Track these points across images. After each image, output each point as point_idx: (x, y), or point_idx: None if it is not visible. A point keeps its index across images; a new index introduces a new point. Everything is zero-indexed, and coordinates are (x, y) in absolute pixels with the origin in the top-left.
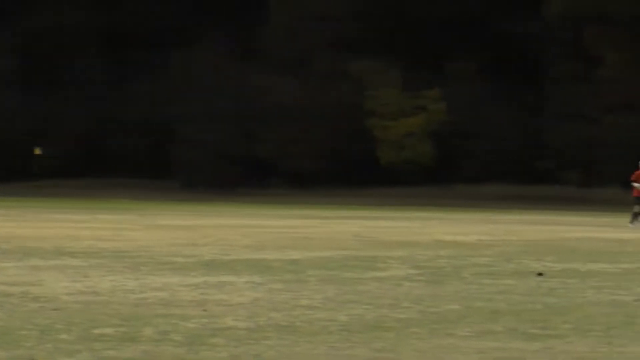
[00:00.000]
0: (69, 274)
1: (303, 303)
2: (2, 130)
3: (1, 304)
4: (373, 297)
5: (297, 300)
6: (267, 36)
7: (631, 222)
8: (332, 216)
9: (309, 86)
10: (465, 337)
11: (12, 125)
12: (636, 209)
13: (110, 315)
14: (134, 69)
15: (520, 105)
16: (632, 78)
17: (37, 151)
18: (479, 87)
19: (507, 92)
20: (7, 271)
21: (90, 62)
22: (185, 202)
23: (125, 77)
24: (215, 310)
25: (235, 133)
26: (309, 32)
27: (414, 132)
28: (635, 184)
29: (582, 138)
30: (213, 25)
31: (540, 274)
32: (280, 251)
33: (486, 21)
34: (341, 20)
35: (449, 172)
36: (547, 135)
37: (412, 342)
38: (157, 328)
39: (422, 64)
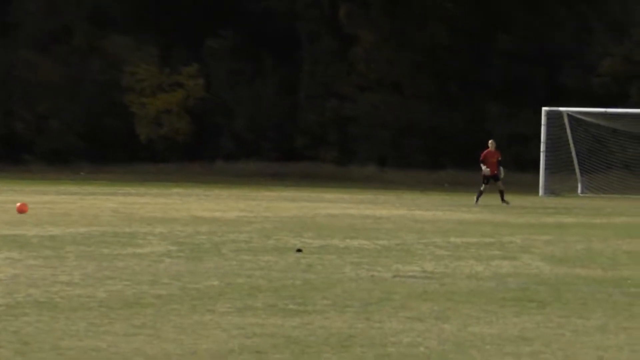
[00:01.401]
0: None
1: (62, 279)
2: None
3: None
4: (132, 273)
5: (56, 276)
6: (22, 11)
7: (476, 201)
8: (91, 192)
9: (65, 62)
10: (225, 313)
11: None
12: (483, 187)
13: None
14: None
15: (277, 83)
16: (386, 57)
17: None
18: (236, 63)
19: (264, 69)
20: None
21: None
22: None
23: None
24: None
25: None
26: (66, 7)
27: (171, 108)
28: (483, 167)
29: (337, 116)
30: None
31: (299, 250)
32: (39, 227)
33: None
34: None
35: (208, 148)
36: (303, 113)
37: (172, 318)
38: None
39: (180, 40)
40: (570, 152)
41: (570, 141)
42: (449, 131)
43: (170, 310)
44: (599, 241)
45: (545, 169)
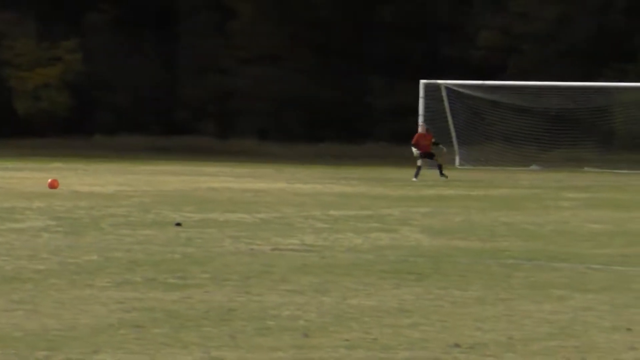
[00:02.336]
0: None
1: None
2: None
3: None
4: (11, 248)
5: None
6: None
7: (415, 176)
8: None
9: None
10: (105, 287)
11: None
12: (419, 162)
13: None
14: None
15: (157, 56)
16: (265, 30)
17: None
18: (115, 37)
19: (143, 42)
20: None
21: None
22: None
23: None
24: None
25: None
26: None
27: (50, 83)
28: (414, 150)
29: (217, 89)
30: None
31: (178, 224)
32: None
33: None
34: None
35: (87, 122)
36: (182, 87)
37: (51, 293)
38: None
39: (60, 14)
40: (448, 125)
41: (448, 113)
42: (329, 104)
43: (49, 285)
44: (477, 213)
45: None
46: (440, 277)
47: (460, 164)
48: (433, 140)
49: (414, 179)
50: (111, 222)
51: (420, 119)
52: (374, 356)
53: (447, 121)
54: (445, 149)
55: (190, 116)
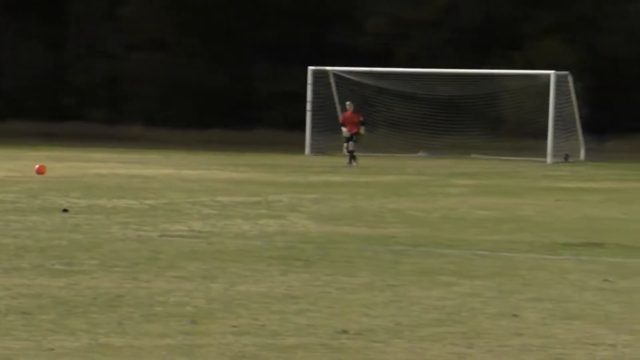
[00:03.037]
0: None
1: None
2: None
3: None
4: None
5: None
6: None
7: (350, 163)
8: None
9: None
10: None
11: None
12: (351, 146)
13: None
14: None
15: (44, 41)
16: (154, 16)
17: None
18: (3, 21)
19: (31, 27)
20: None
21: None
22: None
23: None
24: None
25: None
26: None
27: None
28: (344, 129)
29: (105, 75)
30: None
31: (65, 210)
32: None
33: None
34: None
35: None
36: (70, 72)
37: None
38: None
39: None
40: (336, 111)
41: (336, 100)
42: (217, 90)
43: None
44: (365, 199)
45: (312, 128)
46: (328, 264)
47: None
48: (361, 119)
49: (353, 164)
50: None
51: (308, 106)
52: (262, 342)
53: (335, 108)
54: (363, 131)
55: (78, 101)
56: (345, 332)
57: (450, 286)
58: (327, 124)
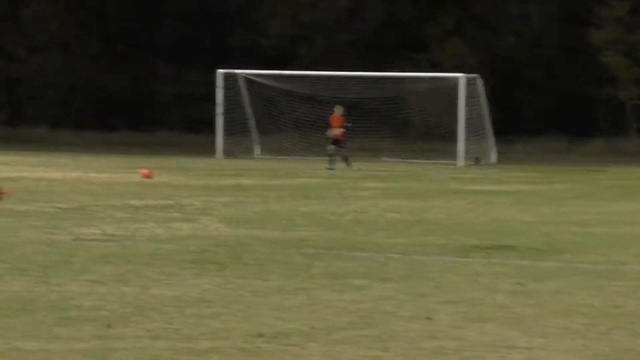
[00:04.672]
0: None
1: None
2: None
3: None
4: None
5: None
6: None
7: (348, 165)
8: None
9: None
10: None
11: None
12: (343, 152)
13: None
14: None
15: None
16: (55, 17)
17: None
18: None
19: None
20: None
21: None
22: None
23: None
24: None
25: None
26: None
27: None
28: (336, 131)
29: (7, 77)
30: None
31: None
32: None
33: None
34: None
35: None
36: None
37: None
38: None
39: None
40: (246, 114)
41: (246, 103)
42: (118, 92)
43: None
44: (276, 202)
45: (223, 131)
46: (241, 267)
47: (259, 154)
48: (348, 124)
49: (349, 169)
50: None
51: (219, 109)
52: (176, 346)
53: (243, 111)
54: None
55: None
56: (260, 335)
57: (363, 289)
58: (236, 127)
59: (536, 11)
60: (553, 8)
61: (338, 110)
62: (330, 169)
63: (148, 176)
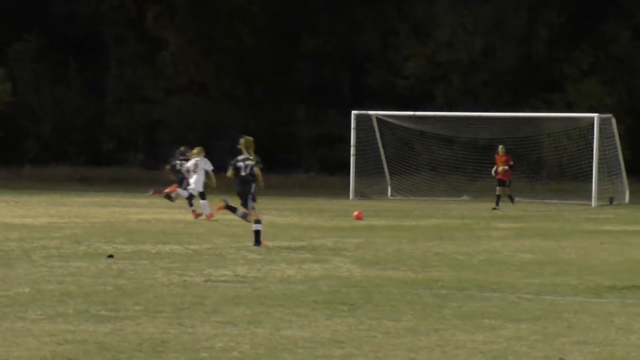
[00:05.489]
0: None
1: None
2: None
3: None
4: None
5: None
6: None
7: (513, 203)
8: None
9: None
10: (37, 320)
11: None
12: (507, 191)
13: None
14: None
15: (83, 86)
16: (193, 59)
17: None
18: (43, 66)
19: (70, 72)
20: None
21: None
22: None
23: None
24: None
25: None
26: None
27: None
28: (493, 171)
29: (145, 120)
30: None
31: (110, 256)
32: None
33: (49, 0)
34: None
35: (16, 153)
36: (110, 117)
37: None
38: None
39: None
40: (379, 155)
41: (380, 144)
42: (257, 134)
43: None
44: (408, 243)
45: (355, 172)
46: (373, 308)
47: (392, 195)
48: (511, 163)
49: (514, 205)
50: (42, 254)
51: (353, 150)
52: None
53: (377, 152)
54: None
55: (117, 146)
56: None
57: (495, 330)
58: (370, 168)
59: None
60: None
61: (501, 151)
62: (495, 209)
63: (359, 217)
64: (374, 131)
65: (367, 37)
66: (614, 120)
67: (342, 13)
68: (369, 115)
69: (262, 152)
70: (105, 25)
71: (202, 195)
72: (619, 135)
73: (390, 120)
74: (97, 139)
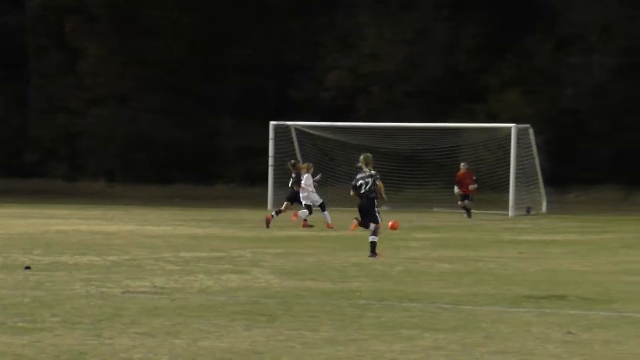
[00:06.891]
0: None
1: None
2: None
3: None
4: None
5: None
6: None
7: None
8: None
9: None
10: None
11: None
12: (466, 203)
13: None
14: None
15: (6, 97)
16: (114, 70)
17: None
18: None
19: None
20: None
21: None
22: None
23: None
24: None
25: None
26: None
27: None
28: (456, 188)
29: (66, 131)
30: None
31: (27, 267)
32: None
33: None
34: None
35: None
36: (33, 128)
37: None
38: None
39: None
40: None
41: (299, 155)
42: (179, 145)
43: None
44: (328, 254)
45: (275, 182)
46: (291, 318)
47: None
48: (474, 178)
49: (468, 219)
50: None
51: (270, 160)
52: None
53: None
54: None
55: (39, 158)
56: None
57: (413, 340)
58: (288, 179)
59: (597, 62)
60: (614, 59)
61: (463, 168)
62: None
63: (394, 227)
64: (293, 142)
65: (295, 49)
66: (531, 131)
67: (268, 23)
68: (288, 126)
69: (186, 164)
70: (27, 36)
71: (323, 207)
72: (539, 146)
73: (310, 131)
74: (20, 150)
